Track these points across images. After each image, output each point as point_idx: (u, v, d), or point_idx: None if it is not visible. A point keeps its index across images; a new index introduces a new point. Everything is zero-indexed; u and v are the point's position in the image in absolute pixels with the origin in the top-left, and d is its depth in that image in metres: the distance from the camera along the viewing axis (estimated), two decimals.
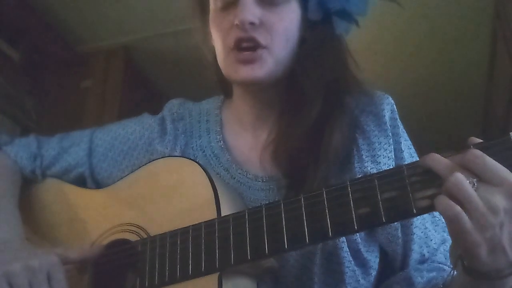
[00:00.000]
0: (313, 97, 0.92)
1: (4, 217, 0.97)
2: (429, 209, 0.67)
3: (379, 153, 0.91)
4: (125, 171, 1.04)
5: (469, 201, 0.63)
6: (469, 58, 2.98)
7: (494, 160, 0.64)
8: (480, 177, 0.64)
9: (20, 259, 0.84)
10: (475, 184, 0.64)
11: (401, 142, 0.93)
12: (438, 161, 0.68)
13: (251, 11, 0.90)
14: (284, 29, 0.92)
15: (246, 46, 0.91)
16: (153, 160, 0.96)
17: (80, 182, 1.09)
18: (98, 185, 1.07)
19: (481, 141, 0.68)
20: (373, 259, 0.90)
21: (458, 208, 0.63)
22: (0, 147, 1.12)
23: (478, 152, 0.65)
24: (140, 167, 0.97)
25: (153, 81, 3.14)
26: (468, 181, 0.64)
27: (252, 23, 0.90)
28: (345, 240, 0.86)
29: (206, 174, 0.86)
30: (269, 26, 0.91)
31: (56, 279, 0.84)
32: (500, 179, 0.63)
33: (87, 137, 1.12)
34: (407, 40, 2.87)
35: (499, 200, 0.63)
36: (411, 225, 0.89)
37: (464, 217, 0.63)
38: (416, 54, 2.97)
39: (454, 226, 0.64)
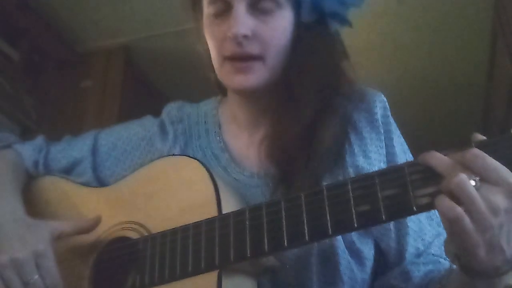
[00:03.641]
0: (305, 99, 0.93)
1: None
2: (430, 206, 0.67)
3: (370, 148, 0.92)
4: (127, 170, 1.05)
5: (472, 203, 0.63)
6: (469, 58, 2.97)
7: (494, 160, 0.64)
8: (481, 177, 0.64)
9: (7, 250, 0.85)
10: (477, 183, 0.63)
11: (393, 139, 0.94)
12: (439, 159, 0.68)
13: (244, 24, 0.90)
14: (276, 39, 0.93)
15: (240, 58, 0.92)
16: (155, 159, 0.97)
17: (84, 180, 1.10)
18: (101, 183, 1.08)
19: (484, 138, 0.68)
20: (367, 251, 0.90)
21: (460, 209, 0.63)
22: (10, 145, 1.14)
23: (478, 152, 0.65)
24: (141, 166, 0.98)
25: (153, 81, 3.13)
26: (471, 182, 0.63)
27: (245, 36, 0.90)
28: None
29: (207, 171, 0.86)
30: (262, 37, 0.92)
31: (45, 268, 0.85)
32: (500, 179, 0.63)
33: (92, 136, 1.14)
34: (407, 40, 2.87)
35: (500, 200, 0.63)
36: (405, 219, 0.89)
37: (466, 218, 0.63)
38: (416, 54, 2.97)
39: (454, 228, 0.64)
